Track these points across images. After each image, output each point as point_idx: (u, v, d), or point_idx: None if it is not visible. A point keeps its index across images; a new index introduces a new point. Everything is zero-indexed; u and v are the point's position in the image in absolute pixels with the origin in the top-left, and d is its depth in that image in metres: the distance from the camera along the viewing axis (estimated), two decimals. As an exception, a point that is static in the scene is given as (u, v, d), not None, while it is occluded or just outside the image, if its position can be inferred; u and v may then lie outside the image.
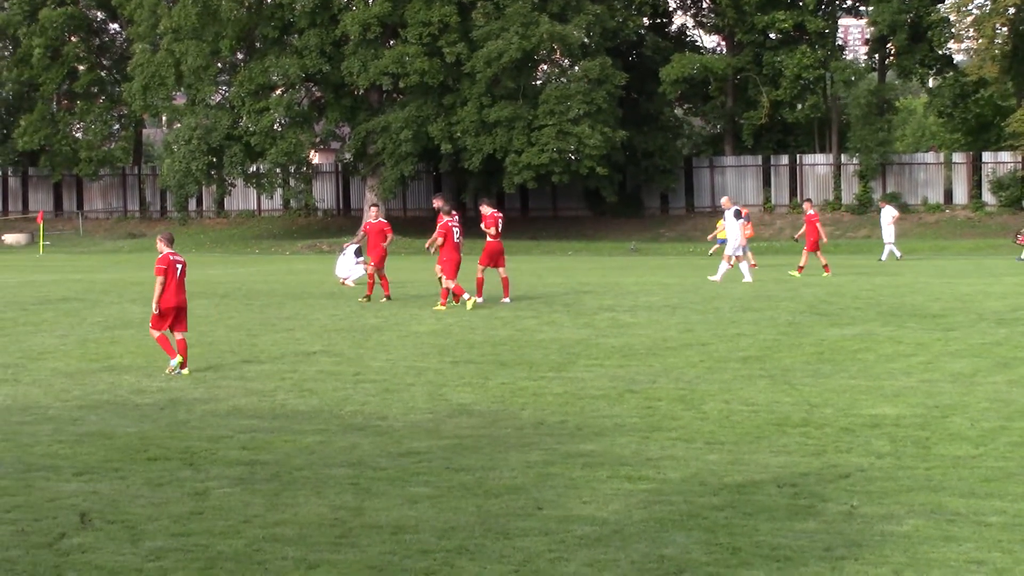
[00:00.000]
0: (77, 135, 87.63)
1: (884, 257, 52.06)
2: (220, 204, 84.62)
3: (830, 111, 76.17)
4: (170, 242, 21.21)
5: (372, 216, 34.99)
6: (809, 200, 49.00)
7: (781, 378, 19.05)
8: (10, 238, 79.17)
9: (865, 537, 10.66)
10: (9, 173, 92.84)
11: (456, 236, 31.22)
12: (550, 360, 21.37)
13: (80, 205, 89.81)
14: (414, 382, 19.21)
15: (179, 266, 21.02)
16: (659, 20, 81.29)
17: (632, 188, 78.03)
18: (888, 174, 75.15)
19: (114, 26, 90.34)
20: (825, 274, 41.35)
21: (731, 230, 38.92)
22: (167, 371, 20.45)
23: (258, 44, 74.48)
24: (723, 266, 38.57)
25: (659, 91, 74.25)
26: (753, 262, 45.91)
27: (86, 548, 10.59)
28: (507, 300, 32.12)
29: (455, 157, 71.18)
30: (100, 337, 25.63)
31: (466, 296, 30.66)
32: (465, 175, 73.92)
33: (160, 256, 20.98)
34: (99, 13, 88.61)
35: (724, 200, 41.78)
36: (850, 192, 74.81)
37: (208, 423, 16.08)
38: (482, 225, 32.73)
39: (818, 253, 42.85)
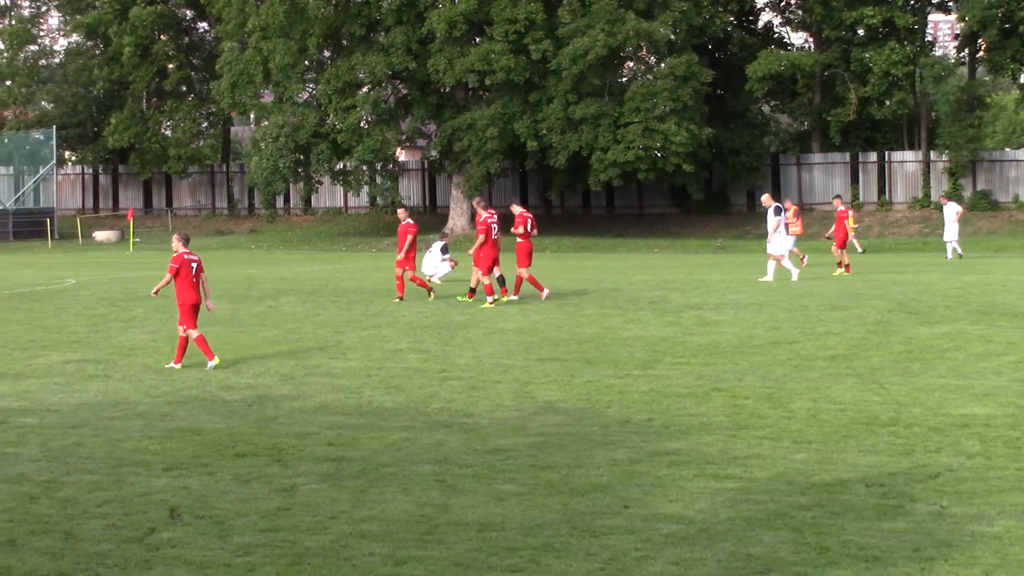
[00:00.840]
0: (166, 133, 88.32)
1: (950, 255, 51.38)
2: (307, 201, 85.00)
3: (919, 107, 75.44)
4: (186, 242, 22.23)
5: (401, 218, 35.03)
6: (839, 197, 48.45)
7: (869, 377, 18.90)
8: (101, 235, 79.94)
9: (955, 538, 10.57)
10: (100, 171, 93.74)
11: (495, 233, 31.45)
12: (636, 358, 21.33)
13: (169, 202, 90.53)
14: (500, 379, 19.23)
15: (193, 264, 21.84)
16: (746, 16, 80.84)
17: (718, 185, 77.66)
18: (978, 171, 74.37)
19: (203, 24, 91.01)
20: (841, 272, 41.10)
21: (772, 228, 38.51)
22: (207, 368, 20.99)
23: (345, 42, 74.75)
24: (775, 264, 38.27)
25: (746, 88, 73.82)
26: (803, 257, 45.72)
27: (175, 543, 10.68)
28: (515, 298, 32.36)
29: (541, 154, 71.10)
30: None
31: (491, 299, 30.77)
32: (551, 173, 73.82)
33: (174, 255, 21.86)
34: (188, 12, 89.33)
35: (765, 197, 40.86)
36: (939, 189, 74.01)
37: (295, 420, 16.18)
38: (512, 228, 32.94)
39: (844, 251, 42.43)
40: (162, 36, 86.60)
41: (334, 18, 71.46)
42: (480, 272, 31.19)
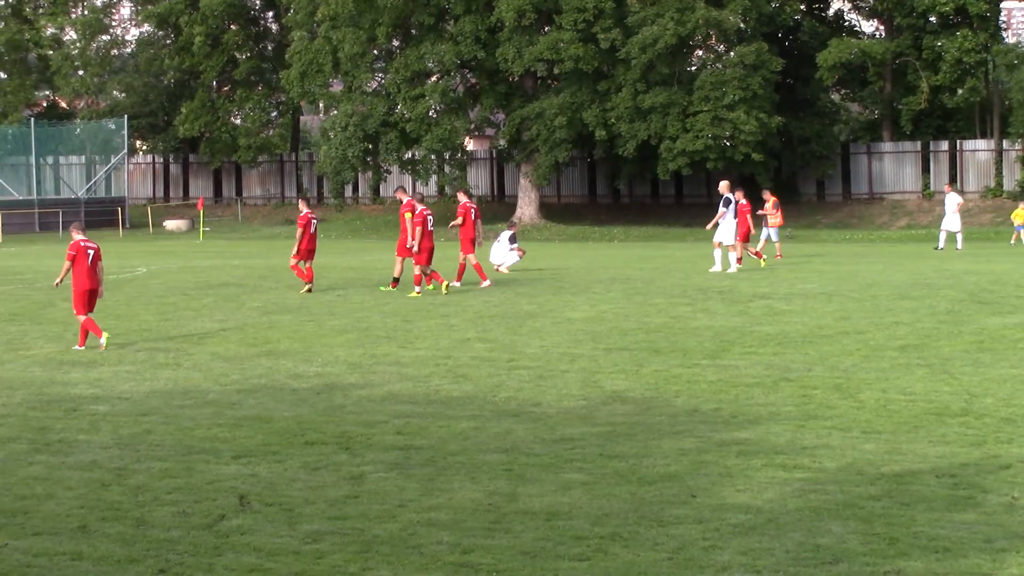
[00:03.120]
0: (236, 122, 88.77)
1: (942, 245, 50.87)
2: (376, 191, 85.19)
3: (991, 96, 74.75)
4: (82, 231, 23.57)
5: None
6: (741, 190, 48.04)
7: (940, 367, 18.77)
8: (171, 224, 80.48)
9: (1027, 529, 10.49)
10: (170, 160, 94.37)
11: (430, 225, 32.89)
12: (704, 347, 21.27)
13: (239, 191, 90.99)
14: (568, 369, 19.22)
15: (90, 252, 22.97)
16: (816, 4, 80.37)
17: (788, 175, 77.21)
18: (1051, 159, 73.65)
19: (272, 14, 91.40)
20: (738, 267, 40.78)
21: (720, 215, 37.97)
22: (99, 349, 22.13)
23: (414, 31, 74.86)
24: (731, 256, 37.80)
25: (816, 77, 73.32)
26: (779, 253, 45.43)
27: (245, 530, 10.74)
28: (457, 284, 33.75)
29: (609, 144, 70.99)
30: (258, 322, 25.99)
31: (444, 282, 31.86)
32: (619, 162, 73.70)
33: (71, 243, 23.01)
34: (258, 1, 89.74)
35: (722, 185, 39.68)
36: (1012, 178, 73.32)
37: (364, 408, 16.23)
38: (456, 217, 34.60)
39: (746, 245, 41.88)
40: (232, 26, 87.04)
41: (403, 7, 71.56)
42: (415, 262, 32.03)
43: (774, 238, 46.51)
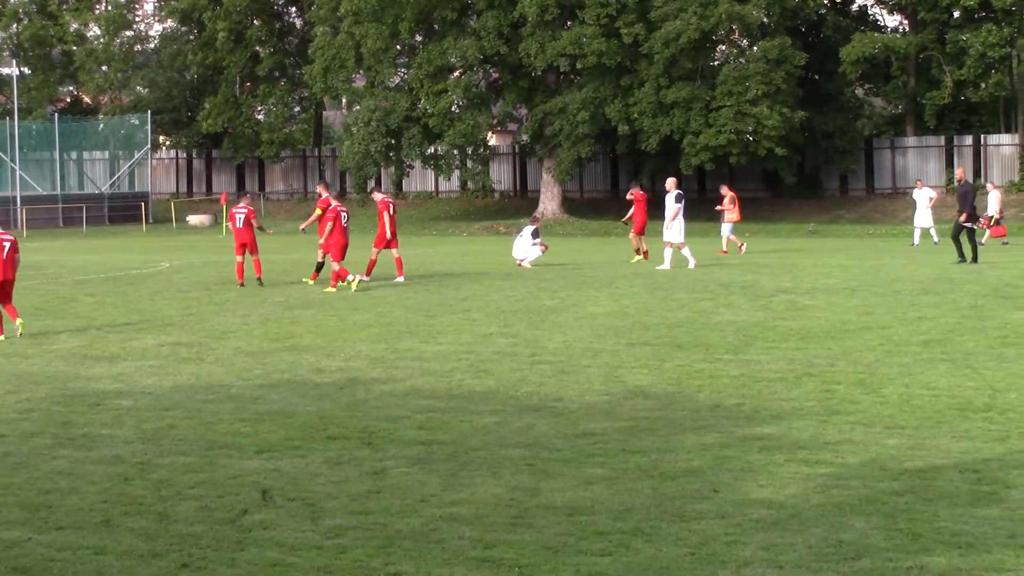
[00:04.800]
0: (259, 117, 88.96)
1: (917, 241, 50.68)
2: (398, 186, 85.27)
3: (1016, 90, 74.50)
4: (3, 225, 23.83)
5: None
6: (637, 181, 47.69)
7: (963, 362, 18.72)
8: (195, 219, 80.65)
9: (1050, 525, 10.45)
10: (194, 155, 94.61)
11: (344, 220, 32.80)
12: (727, 342, 21.25)
13: (262, 187, 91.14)
14: (590, 363, 19.21)
15: (6, 244, 23.43)
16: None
17: (811, 169, 77.11)
18: (1076, 154, 73.40)
19: (295, 9, 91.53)
20: (638, 258, 40.82)
21: (670, 214, 37.70)
22: (4, 338, 22.95)
23: (436, 26, 74.91)
24: (670, 252, 37.62)
25: (839, 71, 73.19)
26: (741, 244, 45.43)
27: (267, 524, 10.76)
28: (401, 279, 34.07)
29: (632, 138, 70.97)
30: (281, 317, 26.03)
31: (350, 277, 31.65)
32: (642, 157, 73.68)
33: None
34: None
35: (669, 182, 39.53)
36: (1036, 173, 73.17)
37: (386, 403, 16.25)
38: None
39: (641, 237, 41.92)
40: (255, 21, 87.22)
41: (426, 2, 71.61)
42: (332, 260, 32.23)
43: (726, 233, 46.35)
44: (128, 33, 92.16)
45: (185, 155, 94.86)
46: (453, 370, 18.79)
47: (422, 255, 47.38)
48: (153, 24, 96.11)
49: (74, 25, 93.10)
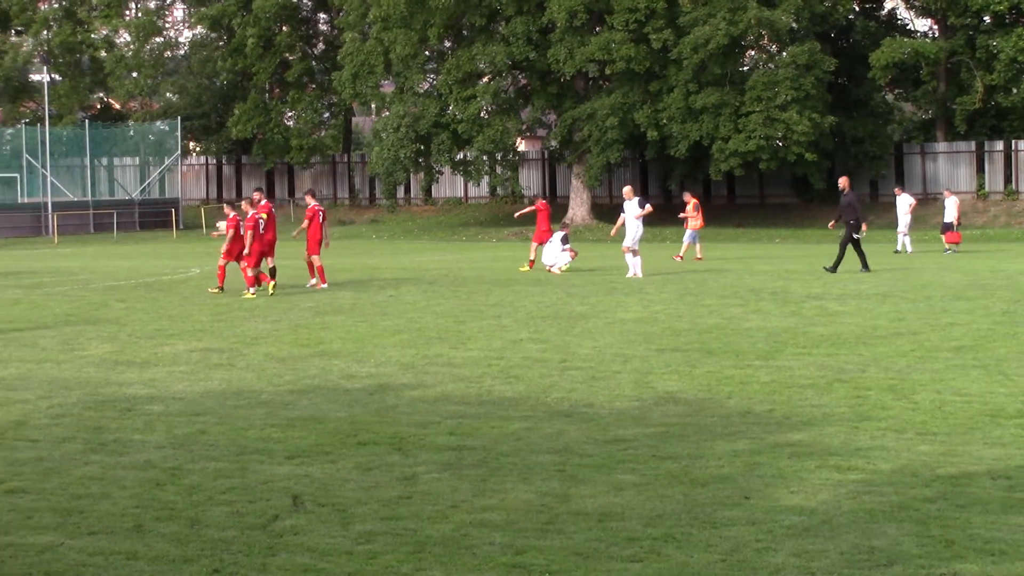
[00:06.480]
0: (288, 123, 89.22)
1: (899, 248, 50.43)
2: (428, 191, 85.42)
3: (1047, 95, 74.21)
4: None
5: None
6: (540, 197, 47.43)
7: (995, 368, 18.65)
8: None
9: (1083, 532, 10.40)
10: (223, 161, 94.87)
11: (261, 228, 33.30)
12: (757, 348, 21.21)
13: (291, 192, 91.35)
14: (620, 369, 19.19)
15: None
16: (869, 4, 79.98)
17: (840, 174, 76.78)
18: (1108, 159, 73.07)
19: (324, 16, 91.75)
20: (527, 268, 40.92)
21: (630, 222, 37.45)
22: None
23: (465, 32, 75.02)
24: (629, 258, 37.32)
25: (869, 76, 72.99)
26: (684, 251, 45.22)
27: (298, 530, 10.77)
28: (324, 286, 34.66)
29: (661, 144, 70.91)
30: (311, 323, 26.07)
31: (271, 283, 32.96)
32: (671, 162, 73.63)
33: None
34: (309, 3, 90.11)
35: (626, 190, 39.70)
36: (1068, 178, 72.87)
37: (416, 409, 16.25)
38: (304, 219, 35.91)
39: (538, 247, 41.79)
40: (284, 27, 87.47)
41: (455, 8, 71.69)
42: (247, 264, 32.91)
43: (689, 240, 46.21)
44: (158, 39, 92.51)
45: (215, 161, 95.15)
46: (483, 376, 18.79)
47: (451, 261, 47.42)
48: (183, 30, 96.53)
49: (104, 31, 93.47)
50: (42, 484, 12.53)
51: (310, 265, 35.22)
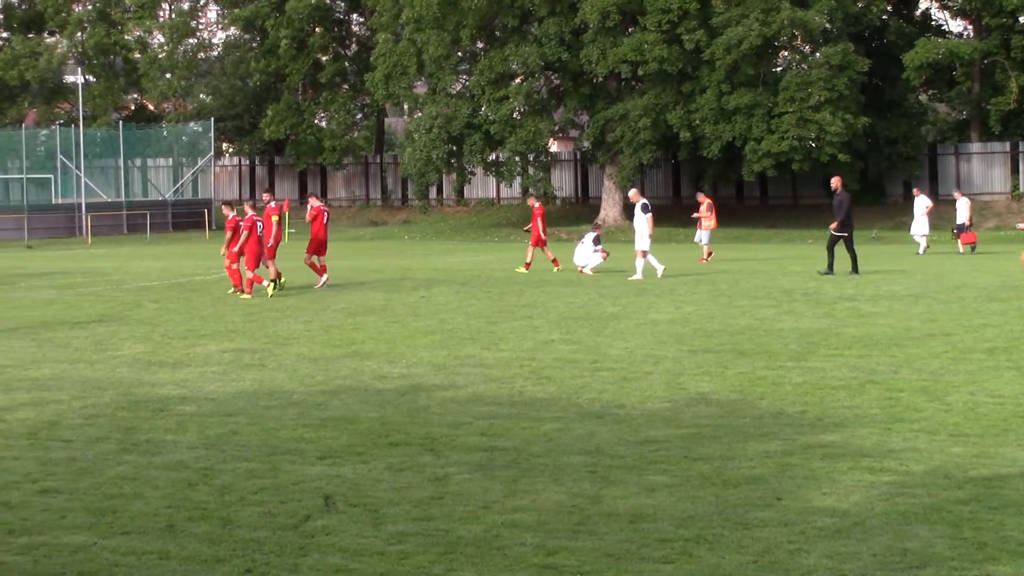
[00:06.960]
0: (321, 124, 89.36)
1: (921, 251, 50.20)
2: (460, 192, 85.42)
3: (1082, 95, 73.84)
4: None
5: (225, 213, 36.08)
6: (532, 195, 47.26)
7: (1029, 370, 18.57)
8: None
9: (1118, 535, 10.35)
10: (256, 162, 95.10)
11: (259, 230, 33.22)
12: (789, 350, 21.16)
13: (324, 193, 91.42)
14: (652, 370, 19.17)
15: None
16: (903, 4, 79.70)
17: (874, 175, 76.66)
18: None
19: (356, 17, 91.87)
20: (521, 271, 40.87)
21: (639, 224, 37.24)
22: None
23: (498, 33, 75.00)
24: (639, 261, 37.23)
25: (903, 77, 72.74)
26: (708, 253, 45.27)
27: (330, 530, 10.79)
28: (321, 283, 34.89)
29: (694, 145, 70.74)
30: (343, 323, 26.11)
31: (266, 283, 32.86)
32: (704, 163, 73.46)
33: None
34: (342, 4, 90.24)
35: (632, 192, 39.58)
36: (1102, 179, 72.46)
37: (448, 409, 16.26)
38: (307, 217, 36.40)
39: (545, 248, 41.80)
40: (317, 28, 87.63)
41: (487, 9, 71.70)
42: (247, 267, 32.88)
43: (704, 240, 46.10)
44: (191, 41, 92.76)
45: (248, 162, 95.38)
46: (515, 377, 18.80)
47: (483, 262, 47.44)
48: (216, 32, 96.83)
49: (137, 33, 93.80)
50: (75, 484, 12.58)
51: (312, 267, 35.17)
